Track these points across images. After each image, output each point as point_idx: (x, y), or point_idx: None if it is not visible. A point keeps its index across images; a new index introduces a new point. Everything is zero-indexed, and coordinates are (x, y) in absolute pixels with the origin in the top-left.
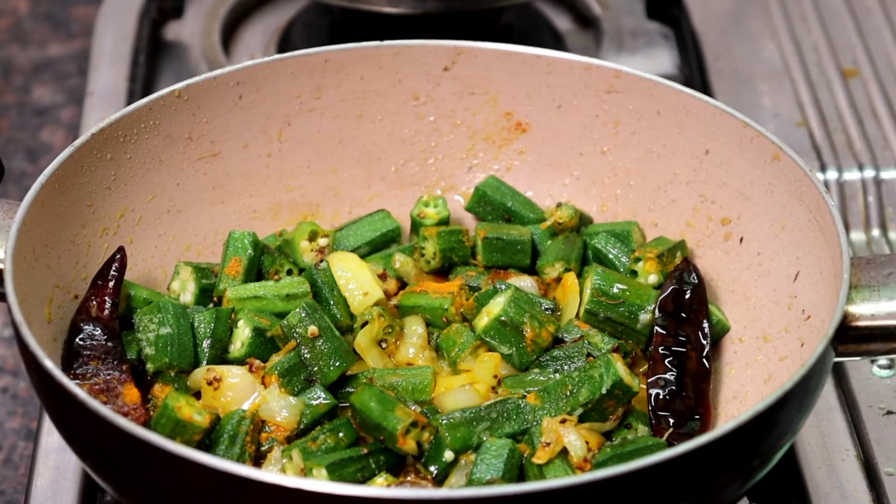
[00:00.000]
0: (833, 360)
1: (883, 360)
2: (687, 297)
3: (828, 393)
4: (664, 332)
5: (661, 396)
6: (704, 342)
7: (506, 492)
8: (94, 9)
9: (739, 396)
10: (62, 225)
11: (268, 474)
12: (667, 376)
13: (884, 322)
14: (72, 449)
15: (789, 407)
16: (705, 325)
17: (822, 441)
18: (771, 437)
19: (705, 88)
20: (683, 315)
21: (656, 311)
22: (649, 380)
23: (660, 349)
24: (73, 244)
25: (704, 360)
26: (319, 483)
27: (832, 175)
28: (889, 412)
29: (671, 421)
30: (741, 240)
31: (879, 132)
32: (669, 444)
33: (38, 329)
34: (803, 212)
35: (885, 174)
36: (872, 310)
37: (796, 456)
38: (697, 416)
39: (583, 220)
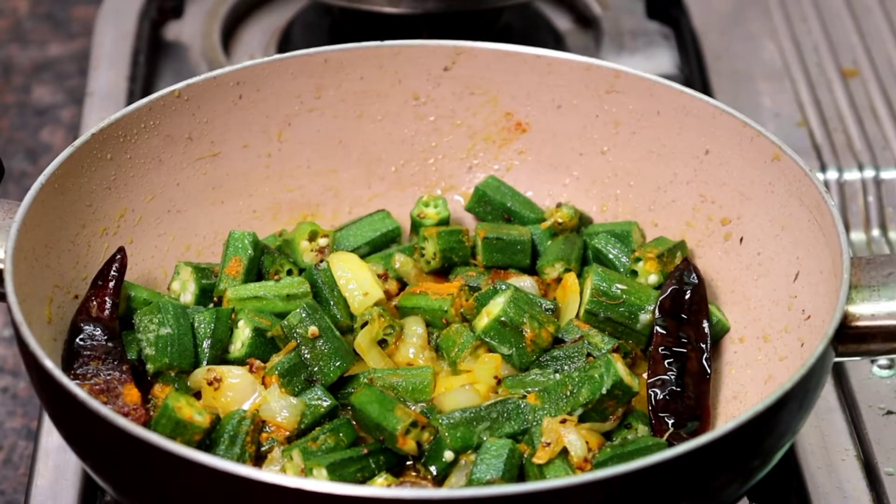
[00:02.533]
0: (833, 360)
1: (883, 360)
2: (687, 297)
3: (828, 393)
4: (664, 332)
5: (660, 397)
6: (704, 343)
7: (506, 492)
8: (94, 9)
9: (739, 396)
10: (62, 225)
11: (268, 474)
12: (667, 377)
13: (884, 322)
14: (72, 449)
15: (789, 407)
16: (705, 325)
17: (822, 441)
18: (771, 438)
19: (705, 88)
20: (683, 315)
21: (656, 311)
22: (649, 380)
23: (660, 349)
24: (73, 244)
25: (704, 360)
26: (319, 483)
27: (832, 175)
28: (889, 412)
29: (671, 421)
30: (741, 240)
31: (879, 132)
32: (669, 444)
33: (38, 329)
34: (803, 212)
35: (885, 174)
36: (872, 310)
37: (796, 456)
38: (697, 417)
39: (583, 221)
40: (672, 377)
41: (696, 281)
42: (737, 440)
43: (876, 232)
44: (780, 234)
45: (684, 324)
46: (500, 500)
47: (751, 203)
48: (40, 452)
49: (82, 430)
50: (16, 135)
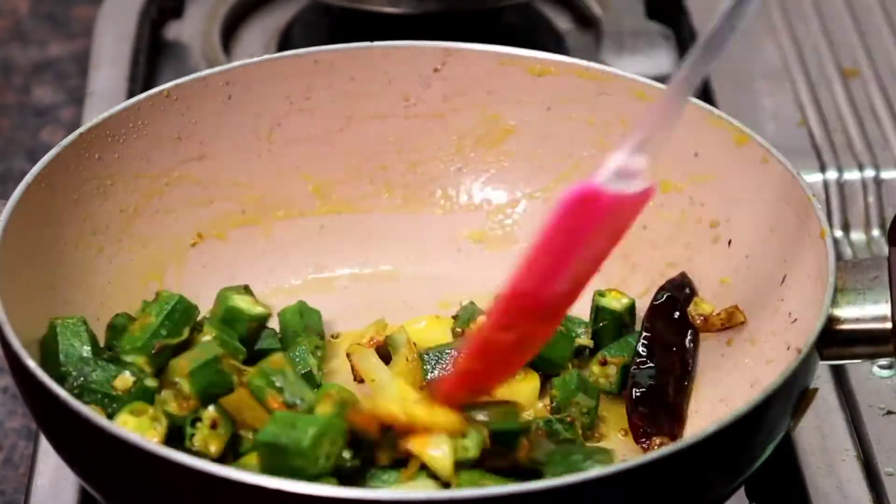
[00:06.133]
0: (818, 365)
1: (883, 360)
2: (678, 309)
3: (828, 393)
4: (649, 335)
5: (638, 394)
6: (691, 357)
7: (496, 492)
8: (94, 9)
9: (726, 399)
10: (50, 224)
11: (267, 478)
12: (647, 370)
13: (869, 326)
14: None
15: (771, 411)
16: (690, 337)
17: (822, 441)
18: (751, 444)
19: (705, 89)
20: (673, 321)
21: (645, 319)
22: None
23: (642, 347)
24: (63, 243)
25: (688, 367)
26: (319, 487)
27: (832, 175)
28: (889, 412)
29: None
30: (729, 242)
31: (879, 132)
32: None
33: (22, 327)
34: (791, 215)
35: (885, 174)
36: (857, 313)
37: (796, 456)
38: (674, 417)
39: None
40: (652, 375)
41: (690, 294)
42: (701, 453)
43: (876, 232)
44: (769, 237)
45: (671, 333)
46: (499, 500)
47: (739, 206)
48: (40, 452)
49: (66, 430)
50: (16, 135)
